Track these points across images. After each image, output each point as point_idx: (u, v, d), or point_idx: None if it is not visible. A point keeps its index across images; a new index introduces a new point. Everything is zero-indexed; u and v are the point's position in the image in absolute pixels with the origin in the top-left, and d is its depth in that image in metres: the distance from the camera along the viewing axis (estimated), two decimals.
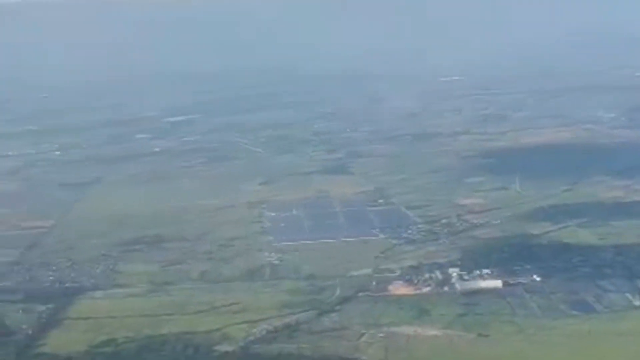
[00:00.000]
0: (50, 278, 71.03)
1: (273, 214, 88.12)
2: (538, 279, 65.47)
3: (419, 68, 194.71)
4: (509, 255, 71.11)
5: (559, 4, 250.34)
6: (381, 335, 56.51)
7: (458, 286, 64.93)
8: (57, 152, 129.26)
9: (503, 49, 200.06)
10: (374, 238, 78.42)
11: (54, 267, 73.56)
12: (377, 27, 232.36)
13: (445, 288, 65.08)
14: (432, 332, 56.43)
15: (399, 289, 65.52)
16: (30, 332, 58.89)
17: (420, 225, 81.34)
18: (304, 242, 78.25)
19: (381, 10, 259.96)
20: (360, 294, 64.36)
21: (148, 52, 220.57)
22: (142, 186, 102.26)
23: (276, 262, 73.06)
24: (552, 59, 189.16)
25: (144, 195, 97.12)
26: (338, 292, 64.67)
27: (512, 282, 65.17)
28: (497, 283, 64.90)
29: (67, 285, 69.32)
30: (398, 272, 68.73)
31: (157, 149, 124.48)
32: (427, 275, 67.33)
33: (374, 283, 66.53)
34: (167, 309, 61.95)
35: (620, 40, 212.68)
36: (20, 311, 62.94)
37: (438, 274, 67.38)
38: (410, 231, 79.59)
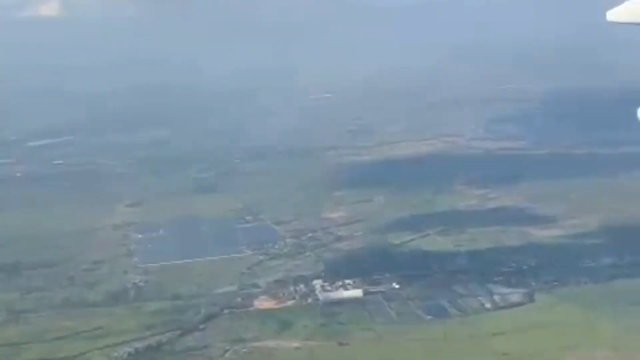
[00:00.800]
0: None
1: (140, 236, 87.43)
2: (397, 286, 67.99)
3: (291, 86, 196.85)
4: (371, 265, 73.42)
5: (440, 20, 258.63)
6: (244, 350, 57.42)
7: (321, 297, 66.63)
8: None
9: (378, 66, 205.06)
10: (240, 255, 79.21)
11: None
12: (250, 47, 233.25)
13: (309, 300, 66.67)
14: (294, 343, 57.75)
15: (264, 303, 66.59)
16: None
17: (287, 240, 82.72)
18: (170, 262, 78.16)
19: (256, 30, 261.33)
20: (225, 311, 65.02)
21: (35, 73, 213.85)
22: (2, 213, 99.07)
23: (141, 284, 72.67)
24: (424, 74, 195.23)
25: (4, 222, 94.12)
26: (203, 310, 65.07)
27: (372, 290, 67.49)
28: (358, 292, 67.02)
29: None
30: (263, 287, 69.77)
31: (19, 174, 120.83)
32: (291, 289, 68.72)
33: (239, 299, 67.35)
34: (25, 337, 60.55)
35: (491, 54, 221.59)
36: None
37: (302, 287, 68.89)
38: (276, 246, 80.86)
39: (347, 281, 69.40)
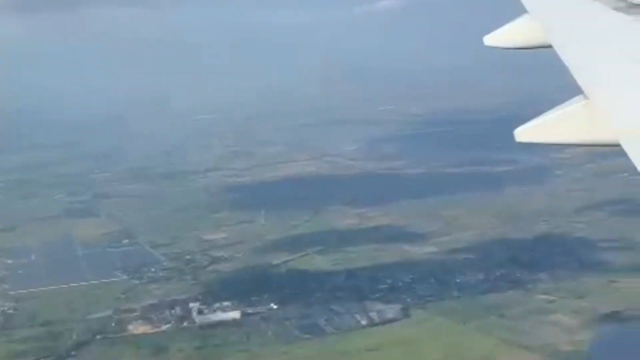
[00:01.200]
0: None
1: (10, 261, 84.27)
2: (275, 306, 68.11)
3: (175, 107, 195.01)
4: (250, 286, 73.26)
5: (324, 41, 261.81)
6: None
7: (197, 320, 65.89)
8: None
9: (261, 86, 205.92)
10: (116, 279, 77.57)
11: None
12: (134, 69, 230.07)
13: (185, 323, 65.88)
14: None
15: (139, 328, 65.41)
16: None
17: (164, 263, 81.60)
18: (42, 288, 75.69)
19: (139, 53, 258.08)
20: (98, 336, 63.52)
21: None
22: None
23: (10, 311, 70.09)
24: (307, 95, 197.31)
25: None
26: (75, 336, 63.22)
27: (250, 311, 67.36)
28: (236, 314, 66.76)
29: None
30: (138, 312, 68.47)
31: None
32: (167, 312, 67.70)
33: (113, 324, 65.79)
34: None
35: (372, 76, 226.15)
36: None
37: (178, 310, 67.95)
38: (153, 270, 79.56)
39: (225, 303, 69.02)
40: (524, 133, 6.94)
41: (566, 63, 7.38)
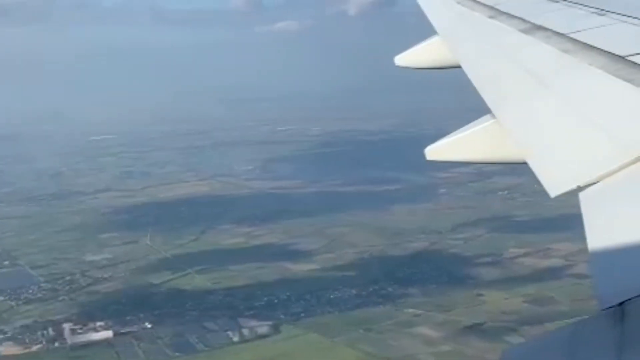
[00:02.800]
0: None
1: None
2: (149, 325, 69.08)
3: (70, 127, 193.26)
4: (126, 306, 74.01)
5: (221, 62, 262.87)
6: None
7: (69, 340, 66.28)
8: None
9: (159, 107, 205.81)
10: None
11: None
12: (33, 89, 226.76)
13: (56, 344, 66.17)
14: None
15: (9, 349, 65.40)
16: None
17: (42, 284, 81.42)
18: None
19: (30, 71, 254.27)
20: None
21: None
22: None
23: None
24: (205, 115, 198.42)
25: None
26: None
27: (123, 331, 68.11)
28: (109, 334, 67.45)
29: None
30: (10, 333, 68.39)
31: None
32: (39, 333, 67.80)
33: None
34: None
35: (270, 97, 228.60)
36: None
37: (50, 331, 68.18)
38: (30, 291, 79.32)
39: (99, 323, 69.58)
40: (434, 152, 7.13)
41: (474, 83, 7.52)
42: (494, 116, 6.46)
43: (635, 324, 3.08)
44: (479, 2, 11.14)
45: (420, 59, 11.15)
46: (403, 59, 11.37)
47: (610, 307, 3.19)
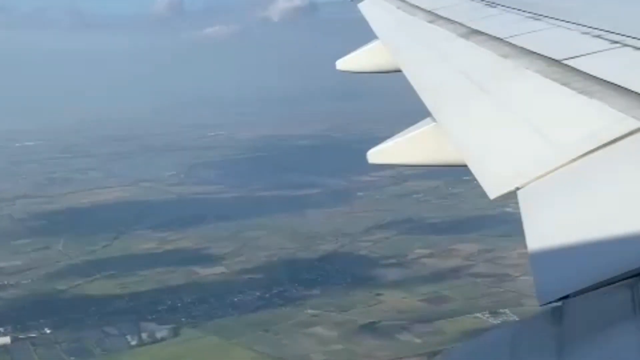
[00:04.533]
0: None
1: None
2: (49, 331, 69.61)
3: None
4: (29, 312, 74.27)
5: (155, 67, 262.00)
6: None
7: None
8: None
9: (87, 112, 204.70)
10: None
11: None
12: None
13: None
14: None
15: None
16: None
17: None
18: None
19: None
20: None
21: None
22: None
23: None
24: (132, 121, 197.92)
25: None
26: None
27: (22, 337, 68.44)
28: (6, 339, 67.79)
29: None
30: None
31: None
32: None
33: None
34: None
35: (201, 102, 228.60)
36: None
37: None
38: None
39: None
40: (376, 155, 7.28)
41: (414, 87, 7.61)
42: (434, 120, 6.57)
43: (574, 320, 3.14)
44: (418, 7, 11.30)
45: (362, 63, 11.22)
46: (344, 63, 11.44)
47: (549, 303, 3.29)
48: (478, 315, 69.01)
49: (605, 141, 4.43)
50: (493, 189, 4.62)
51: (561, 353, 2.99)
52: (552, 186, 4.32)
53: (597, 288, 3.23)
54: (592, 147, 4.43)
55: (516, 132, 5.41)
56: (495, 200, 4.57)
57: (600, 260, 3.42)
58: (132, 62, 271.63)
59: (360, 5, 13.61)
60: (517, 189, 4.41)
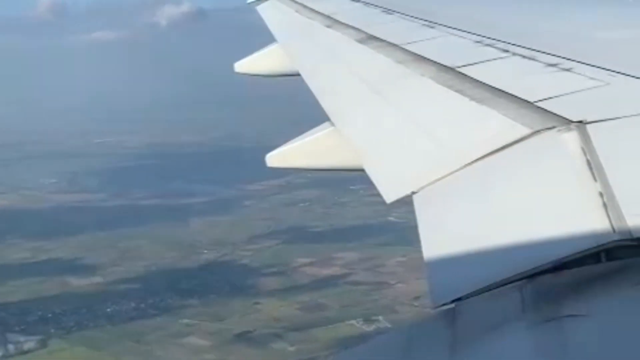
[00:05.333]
0: None
1: None
2: None
3: None
4: None
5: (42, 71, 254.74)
6: None
7: None
8: None
9: None
10: None
11: None
12: None
13: None
14: None
15: None
16: None
17: None
18: None
19: None
20: None
21: None
22: None
23: None
24: (10, 127, 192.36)
25: None
26: None
27: None
28: None
29: None
30: None
31: None
32: None
33: None
34: None
35: (88, 108, 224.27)
36: None
37: None
38: None
39: None
40: (274, 158, 7.31)
41: (313, 91, 7.69)
42: (332, 124, 6.63)
43: (466, 321, 3.19)
44: (316, 12, 11.40)
45: (260, 66, 11.34)
46: (243, 66, 11.49)
47: (442, 305, 3.32)
48: (352, 322, 70.15)
49: (497, 147, 4.54)
50: (389, 193, 4.70)
51: (453, 354, 3.02)
52: (446, 190, 4.42)
53: (490, 290, 3.29)
54: (484, 153, 4.55)
55: (411, 137, 5.51)
56: (391, 204, 4.64)
57: (493, 263, 3.49)
58: (13, 64, 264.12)
59: (259, 8, 13.78)
60: (413, 193, 4.49)
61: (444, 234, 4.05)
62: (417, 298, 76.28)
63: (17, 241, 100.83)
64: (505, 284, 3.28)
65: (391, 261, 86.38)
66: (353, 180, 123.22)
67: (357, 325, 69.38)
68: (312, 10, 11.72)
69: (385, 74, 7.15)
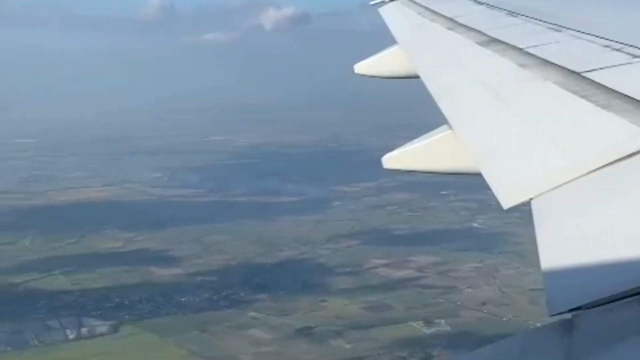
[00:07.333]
0: None
1: None
2: None
3: None
4: None
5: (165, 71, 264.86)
6: None
7: None
8: None
9: (83, 112, 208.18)
10: None
11: None
12: None
13: None
14: None
15: None
16: None
17: None
18: None
19: None
20: None
21: None
22: None
23: None
24: (129, 123, 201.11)
25: None
26: None
27: None
28: None
29: None
30: None
31: None
32: None
33: None
34: None
35: (202, 108, 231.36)
36: None
37: None
38: None
39: None
40: (391, 160, 7.27)
41: (432, 93, 7.64)
42: (450, 127, 6.55)
43: (584, 333, 3.10)
44: (438, 14, 11.37)
45: (380, 68, 11.35)
46: (362, 67, 11.58)
47: (559, 314, 3.25)
48: (413, 324, 70.47)
49: (622, 155, 4.44)
50: (507, 199, 4.61)
51: None
52: (566, 198, 4.31)
53: (609, 302, 3.19)
54: (608, 161, 4.43)
55: (532, 143, 5.40)
56: (508, 210, 4.57)
57: (614, 274, 3.38)
58: (129, 64, 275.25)
59: (381, 10, 13.89)
60: (531, 199, 4.41)
61: (563, 242, 3.96)
62: (483, 304, 76.03)
63: (112, 231, 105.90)
64: (626, 297, 3.16)
65: (466, 266, 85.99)
66: (445, 186, 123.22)
67: (417, 328, 69.70)
68: (434, 12, 11.66)
69: (507, 78, 7.07)
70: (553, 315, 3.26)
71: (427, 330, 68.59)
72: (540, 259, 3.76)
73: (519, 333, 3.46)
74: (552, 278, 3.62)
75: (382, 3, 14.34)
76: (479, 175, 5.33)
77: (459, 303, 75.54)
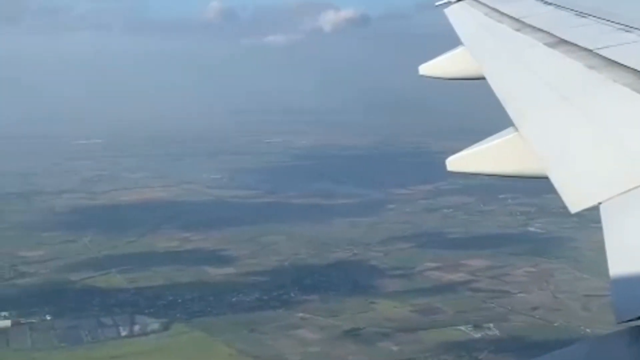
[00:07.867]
0: None
1: None
2: (49, 318, 73.84)
3: (62, 130, 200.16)
4: (37, 299, 78.77)
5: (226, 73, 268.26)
6: None
7: None
8: None
9: (145, 114, 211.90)
10: None
11: None
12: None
13: None
14: None
15: None
16: None
17: None
18: None
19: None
20: None
21: None
22: None
23: None
24: (193, 124, 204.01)
25: None
26: None
27: (22, 321, 72.93)
28: (7, 323, 72.39)
29: None
30: None
31: None
32: None
33: None
34: None
35: (265, 110, 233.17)
36: None
37: None
38: None
39: (3, 313, 74.44)
40: (455, 162, 7.14)
41: (497, 95, 7.53)
42: (516, 129, 6.44)
43: None
44: (505, 15, 11.24)
45: (445, 69, 11.25)
46: (427, 68, 11.51)
47: (627, 321, 3.18)
48: (462, 328, 69.93)
49: None
50: (575, 203, 4.52)
51: None
52: (636, 203, 4.20)
53: None
54: None
55: (601, 146, 5.28)
56: (567, 215, 4.54)
57: None
58: (193, 67, 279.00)
59: (447, 11, 13.85)
60: (600, 204, 4.32)
61: (632, 248, 3.86)
62: (535, 309, 74.94)
63: (169, 231, 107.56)
64: None
65: (519, 271, 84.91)
66: (504, 189, 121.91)
67: (466, 331, 69.14)
68: (501, 13, 11.51)
69: (575, 80, 6.92)
70: (620, 322, 3.18)
71: (476, 334, 67.99)
72: (609, 264, 3.70)
73: (583, 339, 3.44)
74: (620, 285, 3.54)
75: (448, 4, 14.28)
76: (545, 178, 5.28)
77: (509, 307, 74.73)
